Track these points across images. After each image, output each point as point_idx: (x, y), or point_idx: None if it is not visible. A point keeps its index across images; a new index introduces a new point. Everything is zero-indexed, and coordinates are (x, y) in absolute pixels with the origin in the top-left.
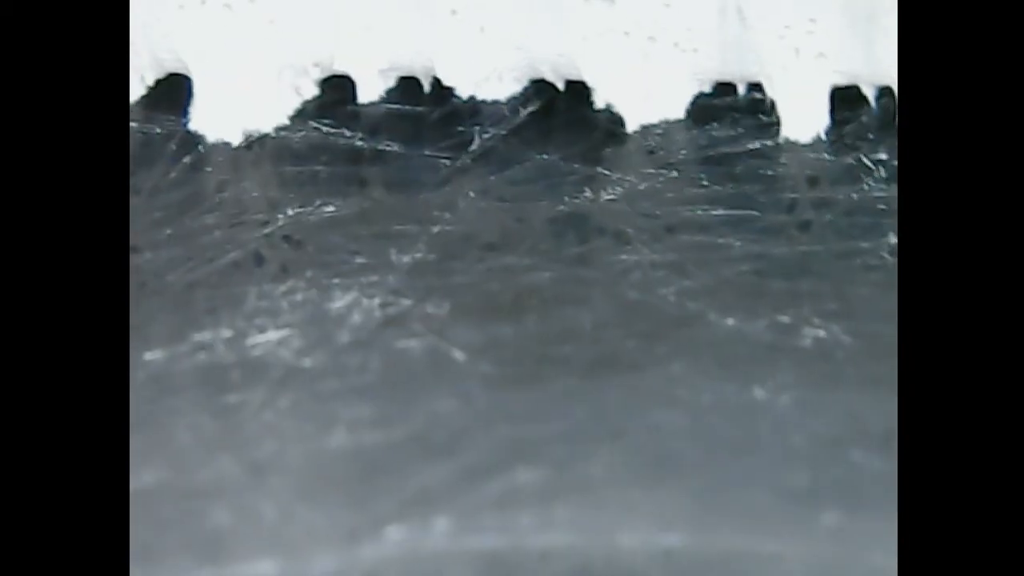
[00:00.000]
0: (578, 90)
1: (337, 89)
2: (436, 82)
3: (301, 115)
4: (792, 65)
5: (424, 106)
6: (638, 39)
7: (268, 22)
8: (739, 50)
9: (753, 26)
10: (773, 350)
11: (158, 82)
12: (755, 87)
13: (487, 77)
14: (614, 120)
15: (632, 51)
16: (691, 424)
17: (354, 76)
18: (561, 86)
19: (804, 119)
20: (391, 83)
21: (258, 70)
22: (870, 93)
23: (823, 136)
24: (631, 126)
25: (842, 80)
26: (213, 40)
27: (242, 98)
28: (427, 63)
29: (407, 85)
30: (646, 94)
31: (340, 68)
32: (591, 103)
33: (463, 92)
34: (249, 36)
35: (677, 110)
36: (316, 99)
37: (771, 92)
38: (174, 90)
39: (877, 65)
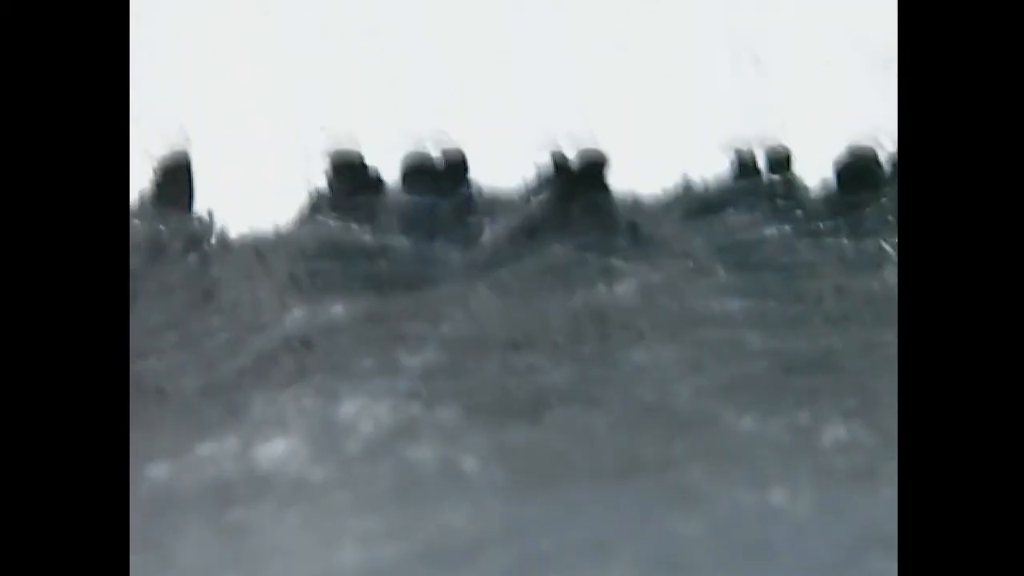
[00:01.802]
0: (592, 169)
1: (344, 174)
2: (446, 154)
3: (308, 207)
4: (810, 115)
5: (434, 194)
6: (652, 96)
7: (272, 86)
8: (757, 103)
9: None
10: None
11: (162, 171)
12: (775, 160)
13: (498, 145)
14: (631, 208)
15: (646, 111)
16: (709, 529)
17: (361, 146)
18: (573, 154)
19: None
20: (400, 155)
21: (264, 144)
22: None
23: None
24: (644, 212)
25: (859, 133)
26: (217, 114)
27: (247, 186)
28: (437, 130)
29: (417, 167)
30: (660, 165)
31: (346, 133)
32: (605, 185)
33: (473, 161)
34: (255, 107)
35: (690, 192)
36: (323, 190)
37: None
38: (178, 180)
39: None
